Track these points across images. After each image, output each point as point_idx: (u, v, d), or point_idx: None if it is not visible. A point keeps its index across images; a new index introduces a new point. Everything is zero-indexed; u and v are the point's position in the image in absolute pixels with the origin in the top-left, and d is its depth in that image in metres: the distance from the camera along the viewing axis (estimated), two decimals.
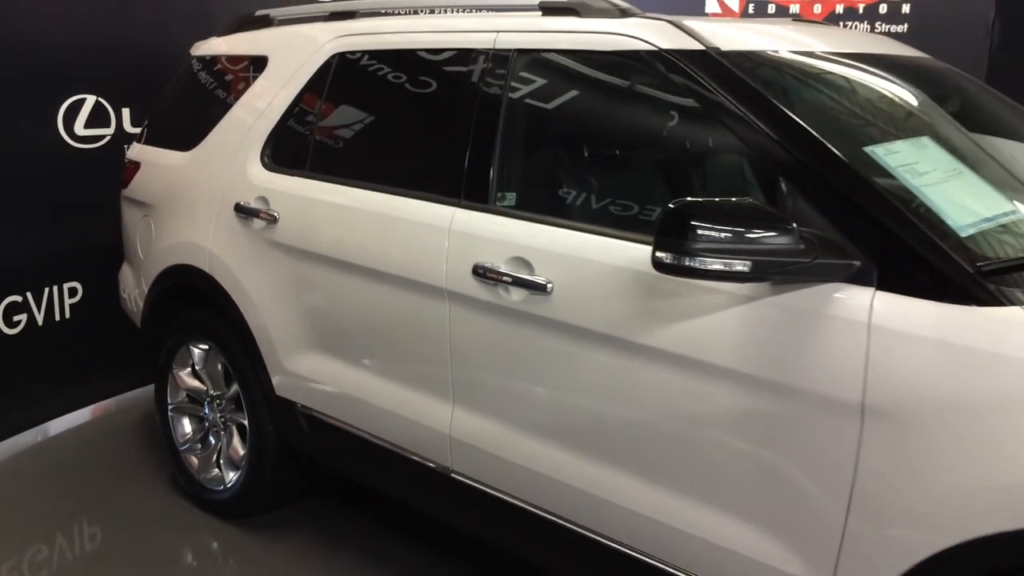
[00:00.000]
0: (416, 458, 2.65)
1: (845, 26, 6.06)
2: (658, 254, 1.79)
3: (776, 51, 2.35)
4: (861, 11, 6.05)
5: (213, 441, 3.44)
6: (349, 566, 3.07)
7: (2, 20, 3.83)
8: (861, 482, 1.77)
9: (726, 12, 6.09)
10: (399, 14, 3.03)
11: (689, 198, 1.81)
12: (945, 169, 2.00)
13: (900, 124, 2.28)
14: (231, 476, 3.35)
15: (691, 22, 2.30)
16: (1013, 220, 1.93)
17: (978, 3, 5.84)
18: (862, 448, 1.77)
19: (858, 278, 1.80)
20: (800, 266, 1.79)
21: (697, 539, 2.03)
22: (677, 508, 2.07)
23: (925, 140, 2.09)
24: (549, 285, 2.22)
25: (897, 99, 2.42)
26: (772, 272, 1.79)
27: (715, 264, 1.75)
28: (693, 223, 1.75)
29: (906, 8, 5.99)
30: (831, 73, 2.40)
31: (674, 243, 1.77)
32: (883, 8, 6.02)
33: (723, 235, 1.75)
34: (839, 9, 6.07)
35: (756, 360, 1.90)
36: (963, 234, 1.83)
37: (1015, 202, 2.05)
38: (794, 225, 1.78)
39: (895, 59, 2.71)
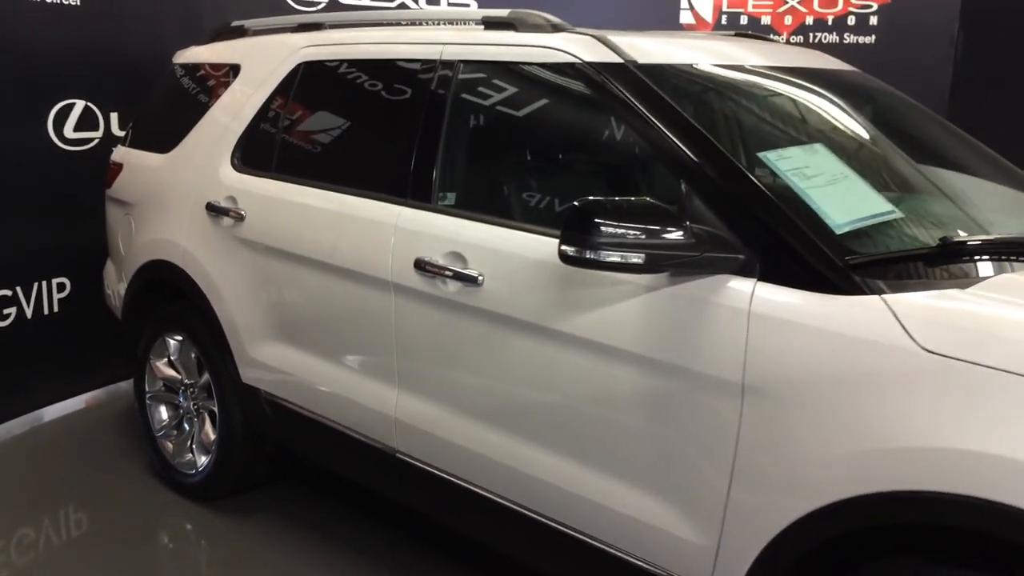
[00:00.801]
0: (365, 439, 2.85)
1: (815, 37, 6.25)
2: (563, 247, 1.99)
3: (693, 64, 2.55)
4: (830, 23, 6.25)
5: (187, 427, 3.64)
6: (309, 545, 3.26)
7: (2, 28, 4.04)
8: (741, 454, 1.97)
9: (700, 23, 6.29)
10: (362, 27, 3.22)
11: (591, 197, 2.00)
12: (833, 173, 2.19)
13: (801, 132, 2.47)
14: (202, 460, 3.55)
15: (616, 37, 2.50)
16: (888, 219, 2.12)
17: (942, 14, 6.04)
18: (742, 423, 1.96)
19: (743, 270, 2.00)
20: (690, 259, 1.99)
21: (606, 508, 2.23)
22: (589, 481, 2.26)
23: (818, 147, 2.28)
24: (480, 277, 2.42)
25: (804, 109, 2.62)
26: (664, 264, 1.99)
27: (613, 256, 1.95)
28: (594, 220, 1.95)
29: (873, 20, 6.18)
30: (744, 85, 2.60)
31: (577, 237, 1.96)
32: (851, 20, 6.22)
33: (620, 231, 1.95)
34: (809, 20, 6.27)
35: (654, 344, 2.09)
36: (839, 231, 2.02)
37: (896, 203, 2.24)
38: (686, 222, 1.98)
39: (819, 72, 2.91)
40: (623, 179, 2.37)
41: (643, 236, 1.95)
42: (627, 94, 2.30)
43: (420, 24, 3.06)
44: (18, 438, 4.23)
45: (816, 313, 1.88)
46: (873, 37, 6.20)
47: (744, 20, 6.30)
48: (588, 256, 1.96)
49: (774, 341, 1.92)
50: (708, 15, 6.31)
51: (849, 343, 1.83)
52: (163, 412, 3.74)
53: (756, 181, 2.07)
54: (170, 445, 3.68)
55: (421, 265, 2.55)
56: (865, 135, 2.65)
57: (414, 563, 3.15)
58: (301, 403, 3.06)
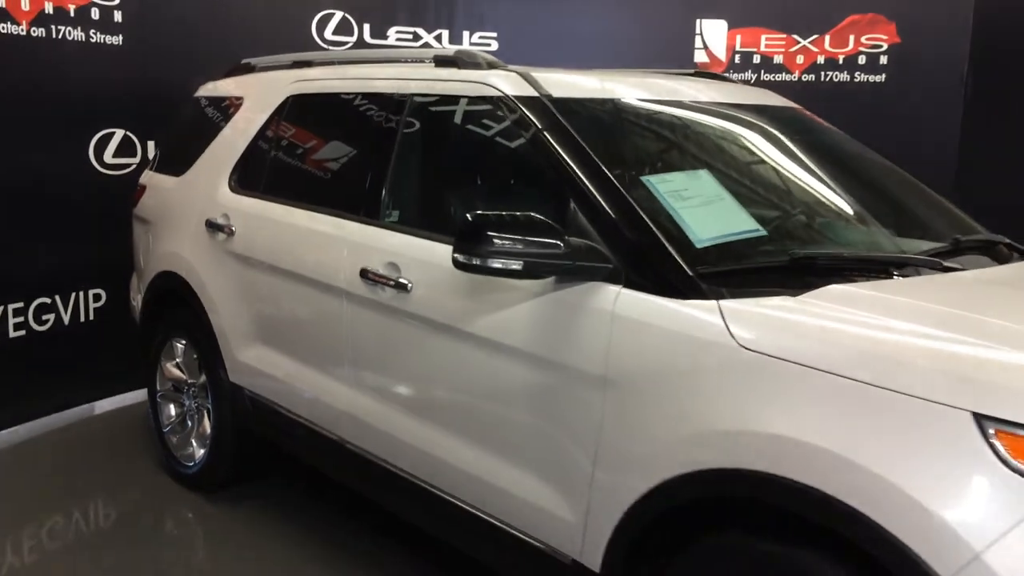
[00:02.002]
0: (323, 432, 3.17)
1: (827, 76, 6.43)
2: (455, 255, 2.29)
3: (607, 98, 2.83)
4: (841, 62, 6.43)
5: (189, 424, 4.02)
6: (293, 533, 3.58)
7: (44, 64, 4.54)
8: (602, 440, 2.23)
9: (714, 62, 6.54)
10: (340, 64, 3.59)
11: (481, 211, 2.30)
12: (709, 195, 2.45)
13: (695, 159, 2.72)
14: (200, 453, 3.92)
15: (539, 74, 2.80)
16: (752, 236, 2.37)
17: (952, 53, 6.17)
18: (604, 412, 2.22)
19: (612, 278, 2.26)
20: (565, 266, 2.27)
21: (500, 490, 2.50)
22: (487, 465, 2.54)
23: (702, 172, 2.54)
24: (409, 284, 2.73)
25: (708, 138, 2.88)
26: (541, 271, 2.28)
27: (496, 263, 2.24)
28: (482, 231, 2.24)
29: (883, 59, 6.35)
30: (652, 117, 2.87)
31: (467, 246, 2.26)
32: (862, 59, 6.39)
33: (505, 241, 2.24)
34: (820, 60, 6.46)
35: (538, 342, 2.37)
36: (699, 245, 2.28)
37: (779, 223, 2.48)
38: (563, 234, 2.26)
39: (747, 107, 3.15)
40: (534, 197, 2.65)
41: (524, 246, 2.24)
42: (536, 123, 2.60)
43: (388, 63, 3.39)
44: (53, 433, 4.67)
45: (663, 315, 2.14)
46: (883, 76, 6.36)
47: (757, 59, 6.52)
48: (475, 263, 2.25)
49: (629, 340, 2.18)
50: (722, 55, 6.56)
51: (686, 341, 2.08)
52: (171, 409, 4.12)
53: (629, 200, 2.34)
54: (175, 440, 4.06)
55: (365, 274, 2.88)
56: (771, 163, 2.89)
57: (386, 555, 3.43)
58: (276, 399, 3.40)
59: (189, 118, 4.29)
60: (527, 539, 2.45)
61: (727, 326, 2.02)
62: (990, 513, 1.63)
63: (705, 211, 2.39)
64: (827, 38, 6.43)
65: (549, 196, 2.53)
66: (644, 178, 2.45)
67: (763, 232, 2.39)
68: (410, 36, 6.21)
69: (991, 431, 1.66)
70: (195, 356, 3.89)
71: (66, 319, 4.86)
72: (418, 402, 2.78)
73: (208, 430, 3.87)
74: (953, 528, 1.63)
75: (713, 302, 2.10)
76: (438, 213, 2.93)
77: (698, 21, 6.52)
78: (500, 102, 2.73)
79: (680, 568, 2.09)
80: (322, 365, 3.16)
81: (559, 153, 2.51)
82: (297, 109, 3.55)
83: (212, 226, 3.67)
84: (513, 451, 2.48)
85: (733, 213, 2.42)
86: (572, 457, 2.31)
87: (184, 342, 3.96)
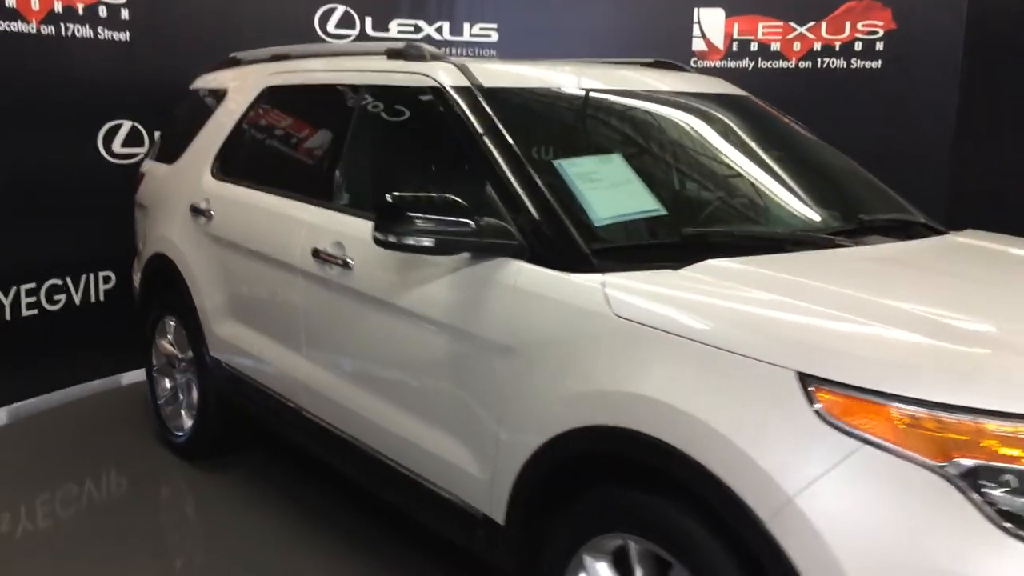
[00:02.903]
0: (286, 401, 3.40)
1: (823, 62, 6.50)
2: (375, 232, 2.49)
3: (539, 88, 3.01)
4: (838, 48, 6.49)
5: (181, 397, 4.29)
6: (273, 500, 3.81)
7: (54, 61, 4.83)
8: (505, 402, 2.41)
9: (711, 50, 6.64)
10: (310, 57, 3.81)
11: (399, 193, 2.49)
12: (617, 179, 2.61)
13: (612, 144, 2.88)
14: (188, 424, 4.18)
15: (475, 65, 2.98)
16: (650, 216, 2.53)
17: (947, 39, 6.20)
18: (506, 377, 2.41)
19: (517, 254, 2.45)
20: (473, 243, 2.45)
21: (425, 450, 2.71)
22: (415, 428, 2.74)
23: (615, 156, 2.70)
24: (352, 262, 2.94)
25: (632, 125, 3.04)
26: (453, 248, 2.47)
27: (409, 240, 2.44)
28: (398, 211, 2.44)
29: (879, 46, 6.40)
30: (581, 105, 3.04)
31: (385, 225, 2.46)
32: (858, 46, 6.45)
33: (418, 220, 2.43)
34: (817, 47, 6.53)
35: (455, 314, 2.57)
36: (598, 224, 2.46)
37: (676, 204, 2.65)
38: (473, 214, 2.44)
39: (693, 95, 3.30)
40: (461, 181, 2.82)
41: (436, 225, 2.43)
42: (464, 111, 2.79)
43: (349, 55, 3.60)
44: (63, 406, 4.98)
45: (555, 288, 2.32)
46: (879, 62, 6.41)
47: (754, 47, 6.61)
48: (391, 240, 2.45)
49: (526, 310, 2.37)
50: (720, 42, 6.66)
51: (572, 311, 2.26)
52: (166, 383, 4.39)
53: (536, 182, 2.52)
54: (168, 411, 4.33)
55: (317, 253, 3.09)
56: (700, 147, 3.04)
57: (360, 524, 3.65)
58: (247, 372, 3.64)
59: (183, 109, 4.54)
60: (448, 496, 2.65)
61: (606, 297, 2.20)
62: (805, 462, 1.79)
63: (610, 193, 2.56)
64: (824, 25, 6.49)
65: (473, 179, 2.71)
66: (556, 162, 2.62)
67: (663, 212, 2.55)
68: (411, 28, 6.41)
69: (811, 389, 1.81)
70: (184, 333, 4.15)
71: (77, 300, 5.17)
72: (360, 372, 3.00)
73: (195, 402, 4.13)
74: (771, 475, 1.80)
75: (599, 275, 2.27)
76: (380, 196, 3.12)
77: (696, 10, 6.62)
78: (437, 92, 2.92)
79: (565, 520, 2.28)
80: (283, 339, 3.39)
81: (480, 139, 2.69)
82: (270, 100, 3.78)
83: (195, 210, 3.92)
84: (435, 415, 2.68)
85: (638, 195, 2.58)
86: (481, 420, 2.50)
87: (175, 320, 4.22)
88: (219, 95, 4.19)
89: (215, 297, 3.80)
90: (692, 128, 3.12)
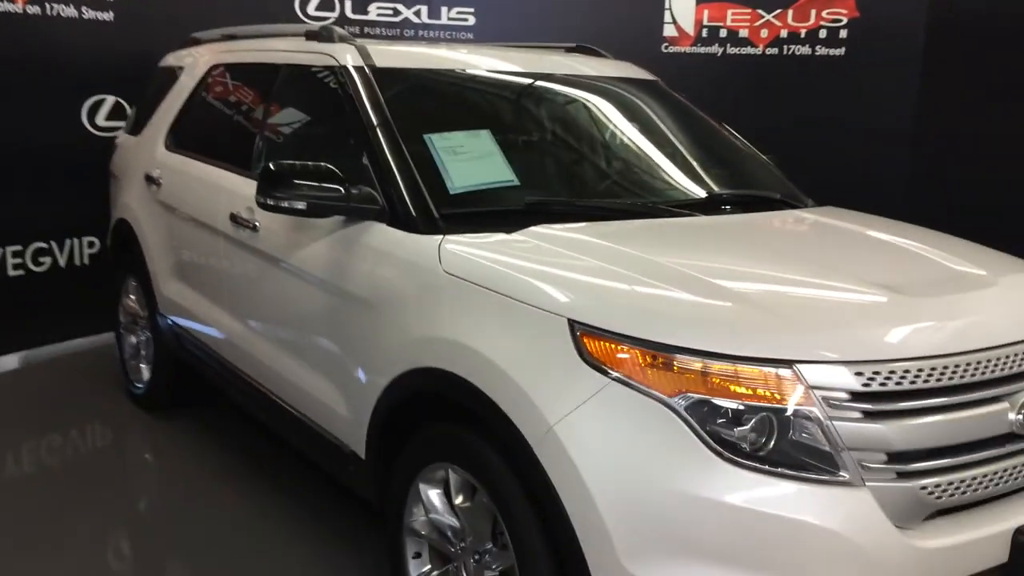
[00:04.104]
0: (216, 354, 3.72)
1: (790, 49, 6.67)
2: (256, 196, 2.80)
3: (430, 68, 3.29)
4: (803, 36, 6.66)
5: (143, 352, 4.64)
6: (222, 449, 4.15)
7: (40, 39, 5.19)
8: (365, 348, 2.71)
9: (682, 36, 6.84)
10: (250, 38, 4.12)
11: (281, 160, 2.79)
12: (481, 152, 2.88)
13: (486, 120, 3.14)
14: (146, 376, 4.54)
15: (373, 46, 3.26)
16: (505, 186, 2.80)
17: (909, 26, 6.34)
18: (366, 326, 2.70)
19: (380, 217, 2.74)
20: (343, 207, 2.75)
21: (310, 394, 3.02)
22: (302, 374, 3.05)
23: (483, 132, 2.97)
24: (257, 225, 3.25)
25: (515, 104, 3.30)
26: (324, 211, 2.76)
27: (284, 203, 2.74)
28: (276, 177, 2.74)
29: (843, 33, 6.56)
30: (465, 85, 3.31)
31: (264, 188, 2.76)
32: (823, 33, 6.61)
33: (293, 185, 2.73)
34: (784, 34, 6.70)
35: (328, 270, 2.87)
36: (452, 192, 2.74)
37: (535, 175, 2.92)
38: (344, 181, 2.73)
39: (592, 78, 3.55)
40: (351, 151, 3.09)
41: (309, 190, 2.73)
42: (357, 87, 3.07)
43: (280, 36, 3.89)
44: (48, 361, 5.38)
45: (404, 247, 2.61)
46: (843, 49, 6.57)
47: (723, 33, 6.80)
48: (269, 203, 2.76)
49: (381, 267, 2.67)
50: (690, 29, 6.85)
51: (413, 267, 2.56)
52: (132, 340, 4.75)
53: (404, 153, 2.81)
54: (131, 365, 4.69)
55: (234, 217, 3.41)
56: (582, 125, 3.31)
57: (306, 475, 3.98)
58: (187, 327, 3.98)
59: (151, 86, 4.87)
60: (327, 435, 2.96)
61: (439, 256, 2.48)
62: (566, 396, 2.06)
63: (471, 164, 2.83)
64: (790, 12, 6.67)
65: (358, 150, 3.00)
66: (426, 136, 2.90)
67: (516, 182, 2.82)
68: (390, 12, 6.70)
69: (578, 333, 2.09)
70: (142, 292, 4.49)
71: (62, 262, 5.55)
72: (264, 325, 3.32)
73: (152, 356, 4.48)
74: (538, 406, 2.08)
75: (439, 236, 2.56)
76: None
77: None
78: (338, 71, 3.20)
79: (405, 453, 2.57)
80: (212, 296, 3.72)
81: (363, 113, 2.98)
82: (214, 78, 4.10)
83: (148, 179, 4.26)
84: (317, 362, 2.99)
85: (496, 166, 2.85)
86: (347, 365, 2.80)
87: (135, 281, 4.57)
88: (177, 72, 4.52)
89: (163, 259, 4.14)
90: (579, 108, 3.38)
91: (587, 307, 2.12)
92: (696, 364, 1.97)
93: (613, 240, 2.49)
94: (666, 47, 6.84)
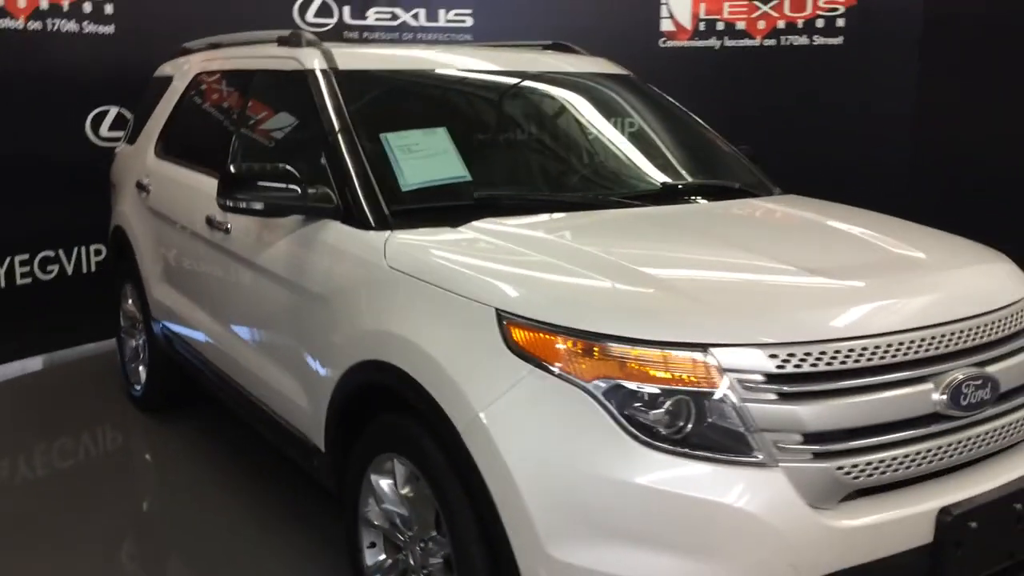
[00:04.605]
0: (200, 355, 3.82)
1: (787, 39, 6.65)
2: (217, 197, 2.88)
3: (392, 69, 3.35)
4: (800, 26, 6.64)
5: (141, 355, 4.76)
6: (218, 451, 4.24)
7: (42, 54, 5.34)
8: (322, 343, 2.78)
9: (680, 30, 6.85)
10: (229, 46, 4.22)
11: (245, 163, 2.87)
12: (436, 149, 2.94)
13: (444, 118, 3.18)
14: (143, 379, 4.66)
15: (341, 49, 3.34)
16: (457, 182, 2.85)
17: (907, 14, 6.29)
18: (323, 322, 2.77)
19: (335, 215, 2.81)
20: (300, 207, 2.82)
21: (275, 389, 3.10)
22: (271, 371, 3.13)
23: (439, 130, 3.01)
24: (229, 227, 3.34)
25: (472, 100, 3.35)
26: (281, 211, 2.84)
27: (242, 204, 2.81)
28: (236, 179, 2.82)
29: (840, 22, 6.52)
30: (426, 85, 3.37)
31: (225, 190, 2.85)
32: (820, 23, 6.58)
33: (252, 187, 2.81)
34: (781, 24, 6.68)
35: (289, 268, 2.95)
36: (405, 188, 2.80)
37: (491, 172, 2.97)
38: (302, 182, 2.80)
39: (562, 74, 3.60)
40: (315, 152, 3.16)
41: (267, 191, 2.80)
42: (320, 91, 3.14)
43: (255, 43, 3.98)
44: (57, 367, 5.53)
45: (355, 244, 2.68)
46: (841, 39, 6.54)
47: (720, 26, 6.79)
48: (229, 204, 2.84)
49: (335, 263, 2.74)
50: (687, 22, 6.85)
51: (362, 263, 2.62)
52: (131, 343, 4.88)
53: (359, 151, 2.87)
54: (131, 368, 4.82)
55: (209, 220, 3.50)
56: (544, 121, 3.36)
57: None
58: (175, 329, 4.08)
59: (146, 95, 4.99)
60: (293, 430, 3.04)
61: (385, 251, 2.55)
62: (492, 383, 2.11)
63: (426, 161, 2.89)
64: (786, 2, 6.65)
65: (319, 151, 3.07)
66: (383, 135, 2.96)
67: (469, 178, 2.88)
68: (388, 16, 6.78)
69: (504, 322, 2.14)
70: (138, 296, 4.61)
71: (69, 270, 5.70)
72: (238, 323, 3.40)
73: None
74: (466, 394, 2.13)
75: (387, 232, 2.62)
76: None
77: None
78: (304, 75, 3.28)
79: (359, 445, 2.63)
80: (195, 298, 3.82)
81: (324, 114, 3.05)
82: (198, 86, 4.20)
83: (139, 186, 4.37)
84: (283, 359, 3.07)
85: (450, 163, 2.91)
86: (307, 360, 2.87)
87: (131, 286, 4.69)
88: (168, 81, 4.63)
89: (153, 263, 4.26)
90: (543, 103, 3.43)
91: (513, 297, 2.17)
92: (613, 350, 2.01)
93: (553, 232, 2.54)
94: (664, 41, 6.85)
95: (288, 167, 2.85)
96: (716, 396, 1.97)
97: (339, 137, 2.95)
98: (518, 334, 2.11)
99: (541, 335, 2.08)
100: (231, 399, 3.62)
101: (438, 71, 3.43)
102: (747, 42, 6.77)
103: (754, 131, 6.48)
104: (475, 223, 2.60)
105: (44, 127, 5.46)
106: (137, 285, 4.50)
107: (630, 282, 2.18)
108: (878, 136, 6.44)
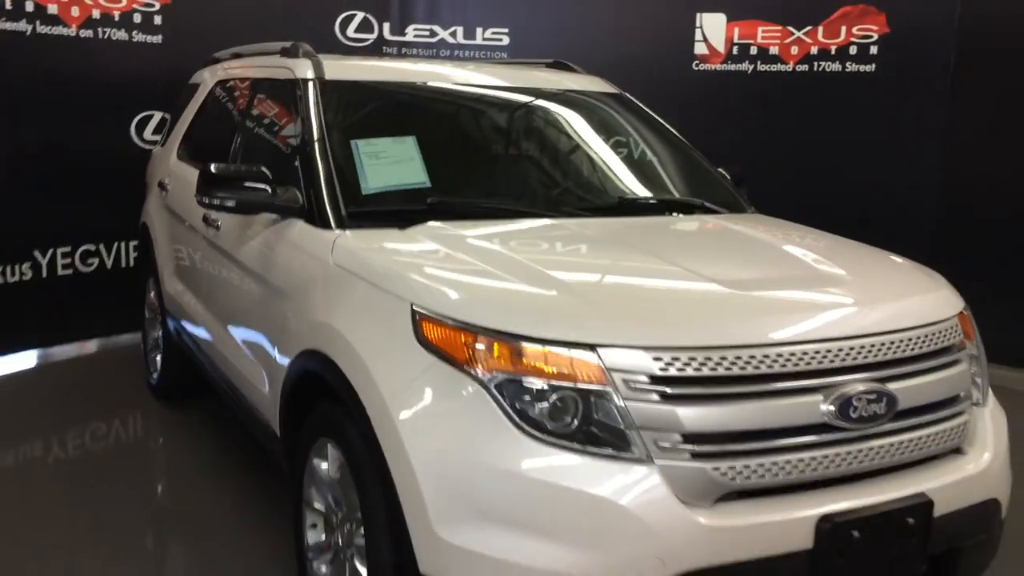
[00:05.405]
0: (199, 345, 4.04)
1: (820, 66, 6.66)
2: (195, 195, 3.09)
3: (374, 80, 3.53)
4: (833, 52, 6.64)
5: (159, 345, 5.03)
6: (221, 434, 4.49)
7: (93, 60, 5.70)
8: (280, 332, 2.96)
9: (712, 54, 6.92)
10: (240, 56, 4.46)
11: (217, 163, 3.07)
12: (401, 156, 3.10)
13: (415, 128, 3.32)
14: (159, 368, 4.93)
15: (331, 61, 3.53)
16: (416, 188, 3.01)
17: (940, 43, 6.25)
18: (281, 313, 2.95)
19: (300, 214, 2.99)
20: (268, 206, 3.01)
21: (247, 379, 3.28)
22: (246, 362, 3.32)
23: (408, 139, 3.17)
24: (219, 224, 3.55)
25: (446, 112, 3.51)
26: (250, 208, 3.03)
27: (215, 200, 3.01)
28: (212, 178, 3.02)
29: (873, 49, 6.51)
30: (405, 97, 3.54)
31: (202, 188, 3.05)
32: (853, 49, 6.58)
33: (228, 186, 3.01)
34: (814, 51, 6.70)
35: (260, 263, 3.14)
36: (365, 192, 2.97)
37: (441, 179, 3.11)
38: (272, 182, 2.99)
39: (541, 91, 3.74)
40: (289, 155, 3.31)
41: (240, 191, 3.00)
42: (304, 98, 3.34)
43: (263, 55, 4.20)
44: (86, 356, 5.87)
45: (311, 241, 2.86)
46: (873, 66, 6.52)
47: (754, 51, 6.83)
48: (205, 200, 3.04)
49: (294, 258, 2.92)
50: (721, 46, 6.92)
51: (313, 260, 2.79)
52: (152, 334, 5.15)
53: (328, 155, 3.05)
54: (151, 358, 5.09)
55: (204, 218, 3.73)
56: (517, 134, 3.50)
57: None
58: (181, 320, 4.32)
59: (180, 101, 5.29)
60: (261, 417, 3.22)
61: (332, 249, 2.71)
62: (400, 373, 2.25)
63: (389, 168, 3.06)
64: (820, 29, 6.66)
65: (296, 154, 3.26)
66: (353, 141, 3.14)
67: (428, 184, 3.03)
68: (427, 33, 7.01)
69: (417, 317, 2.28)
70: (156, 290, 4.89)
71: (108, 263, 6.04)
72: (223, 315, 3.62)
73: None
74: (378, 384, 2.27)
75: (337, 231, 2.79)
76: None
77: (698, 15, 6.92)
78: (294, 84, 3.49)
79: (302, 430, 2.79)
80: (194, 291, 4.05)
81: (304, 119, 3.24)
82: (215, 93, 4.46)
83: (161, 186, 4.65)
84: (252, 348, 3.26)
85: (413, 170, 3.07)
86: (268, 349, 3.06)
87: (152, 279, 4.96)
88: (196, 88, 4.91)
89: (168, 259, 4.51)
90: (520, 118, 3.57)
91: (425, 294, 2.30)
92: (508, 346, 2.13)
93: (487, 237, 2.67)
94: (697, 64, 6.92)
95: (263, 168, 3.05)
96: (600, 394, 2.07)
97: (313, 141, 3.13)
98: (428, 328, 2.25)
99: (446, 330, 2.21)
100: (220, 388, 3.83)
101: (422, 83, 3.61)
102: (779, 67, 6.79)
103: (778, 155, 6.56)
104: (420, 226, 2.75)
105: (92, 129, 5.81)
106: (156, 279, 4.76)
107: (536, 284, 2.30)
108: (907, 163, 6.41)
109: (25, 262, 5.61)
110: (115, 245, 6.06)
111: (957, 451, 2.46)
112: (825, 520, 2.12)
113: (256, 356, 3.20)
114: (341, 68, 3.52)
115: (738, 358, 2.11)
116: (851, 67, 6.60)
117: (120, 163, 5.93)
